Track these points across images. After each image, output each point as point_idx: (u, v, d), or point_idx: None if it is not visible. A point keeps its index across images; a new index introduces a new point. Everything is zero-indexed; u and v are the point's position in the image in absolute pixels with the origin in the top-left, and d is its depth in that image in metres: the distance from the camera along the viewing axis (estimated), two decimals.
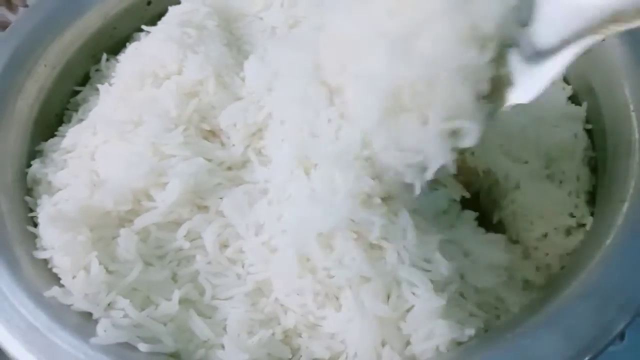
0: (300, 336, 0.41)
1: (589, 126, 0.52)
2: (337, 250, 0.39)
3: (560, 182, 0.49)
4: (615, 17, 0.32)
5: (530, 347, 0.35)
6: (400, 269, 0.40)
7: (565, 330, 0.36)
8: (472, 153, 0.50)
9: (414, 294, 0.39)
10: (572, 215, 0.48)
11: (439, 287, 0.40)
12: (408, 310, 0.40)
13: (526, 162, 0.49)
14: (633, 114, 0.47)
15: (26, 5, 0.83)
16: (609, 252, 0.39)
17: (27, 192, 0.49)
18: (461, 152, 0.40)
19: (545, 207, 0.48)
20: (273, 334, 0.41)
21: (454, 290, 0.41)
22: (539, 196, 0.47)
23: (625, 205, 0.41)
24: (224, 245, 0.44)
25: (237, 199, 0.44)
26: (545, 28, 0.35)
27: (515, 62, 0.37)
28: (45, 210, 0.45)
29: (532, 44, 0.36)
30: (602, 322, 0.36)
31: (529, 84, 0.36)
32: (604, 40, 0.49)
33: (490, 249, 0.44)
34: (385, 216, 0.40)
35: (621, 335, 0.61)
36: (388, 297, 0.40)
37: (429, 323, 0.38)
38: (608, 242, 0.40)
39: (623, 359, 0.60)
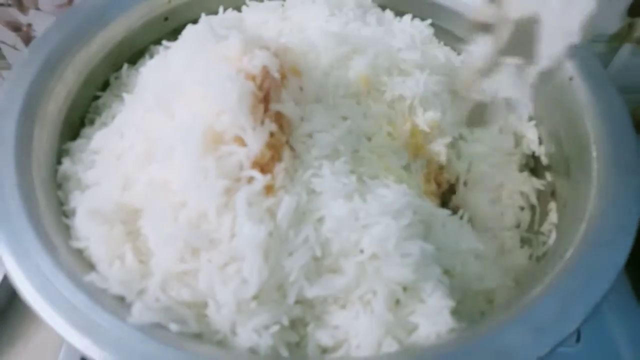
0: (307, 326, 0.47)
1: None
2: None
3: None
4: None
5: (499, 339, 0.42)
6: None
7: (534, 325, 0.42)
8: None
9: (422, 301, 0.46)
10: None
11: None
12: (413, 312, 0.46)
13: None
14: (593, 146, 0.56)
15: (38, 8, 0.86)
16: (570, 262, 0.47)
17: (58, 187, 0.54)
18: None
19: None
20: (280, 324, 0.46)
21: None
22: None
23: (583, 224, 0.49)
24: None
25: None
26: None
27: None
28: (82, 205, 0.50)
29: None
30: (563, 319, 0.43)
31: None
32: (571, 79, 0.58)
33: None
34: None
35: (577, 337, 0.69)
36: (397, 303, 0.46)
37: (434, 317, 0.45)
38: (569, 254, 0.48)
39: None
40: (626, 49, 0.93)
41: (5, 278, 0.56)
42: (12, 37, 0.88)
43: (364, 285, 0.46)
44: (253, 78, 0.50)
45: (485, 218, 0.61)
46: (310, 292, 0.46)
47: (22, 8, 0.86)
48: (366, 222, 0.47)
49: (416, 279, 0.46)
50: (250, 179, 0.48)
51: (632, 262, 0.76)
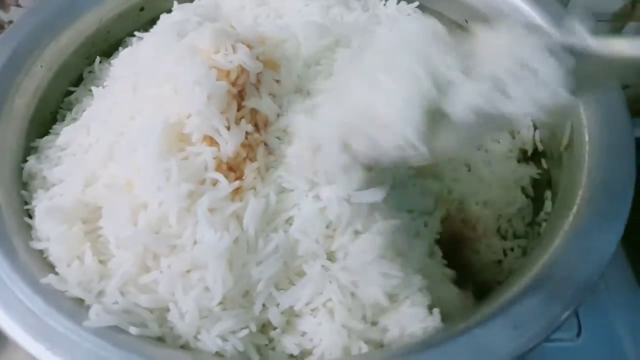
0: (275, 329, 0.45)
1: None
2: None
3: None
4: None
5: (482, 335, 0.40)
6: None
7: (515, 321, 0.40)
8: None
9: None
10: None
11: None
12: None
13: None
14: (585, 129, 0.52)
15: (18, 5, 0.85)
16: (556, 254, 0.44)
17: (23, 186, 0.52)
18: None
19: None
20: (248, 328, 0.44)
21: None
22: None
23: (572, 212, 0.46)
24: None
25: None
26: None
27: None
28: (41, 203, 0.48)
29: None
30: (547, 314, 0.41)
31: None
32: None
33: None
34: None
35: (578, 332, 0.67)
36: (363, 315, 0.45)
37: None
38: (554, 245, 0.45)
39: (579, 355, 0.65)
40: (631, 28, 0.90)
41: None
42: None
43: (327, 291, 0.44)
44: (227, 74, 0.48)
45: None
46: (281, 302, 0.44)
47: (2, 5, 0.85)
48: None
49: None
50: (215, 182, 0.45)
51: (637, 255, 0.73)
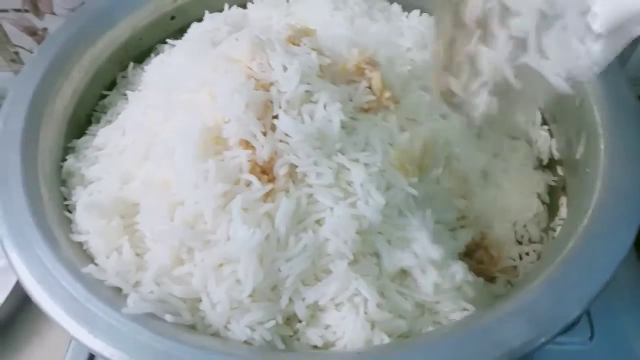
0: (300, 322, 0.47)
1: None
2: None
3: None
4: None
5: (496, 330, 0.41)
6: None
7: (529, 317, 0.42)
8: None
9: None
10: None
11: None
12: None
13: None
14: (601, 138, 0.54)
15: (53, 12, 0.89)
16: (569, 255, 0.46)
17: (62, 183, 0.56)
18: None
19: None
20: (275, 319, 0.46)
21: None
22: None
23: (587, 216, 0.48)
24: None
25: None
26: None
27: None
28: (81, 199, 0.51)
29: None
30: (559, 312, 0.42)
31: None
32: None
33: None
34: None
35: (591, 335, 0.68)
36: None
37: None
38: (569, 247, 0.46)
39: (592, 358, 0.65)
40: None
41: (18, 284, 0.58)
42: (29, 42, 0.91)
43: (352, 287, 0.46)
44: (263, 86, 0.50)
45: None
46: (307, 297, 0.47)
47: (38, 13, 0.88)
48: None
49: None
50: (249, 184, 0.48)
51: None
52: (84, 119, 0.64)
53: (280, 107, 0.49)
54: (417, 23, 0.68)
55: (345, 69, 0.55)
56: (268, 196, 0.47)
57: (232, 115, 0.48)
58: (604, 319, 0.69)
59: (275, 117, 0.49)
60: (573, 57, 0.38)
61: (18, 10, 0.88)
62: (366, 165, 0.49)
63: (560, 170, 0.62)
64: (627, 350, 0.66)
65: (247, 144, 0.48)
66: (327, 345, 0.46)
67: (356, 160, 0.49)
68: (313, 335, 0.46)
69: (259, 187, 0.47)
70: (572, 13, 0.38)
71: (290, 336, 0.47)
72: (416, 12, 0.70)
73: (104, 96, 0.67)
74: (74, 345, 0.62)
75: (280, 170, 0.48)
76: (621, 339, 0.67)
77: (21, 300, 0.65)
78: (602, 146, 0.53)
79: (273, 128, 0.49)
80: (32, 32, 0.91)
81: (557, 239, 0.52)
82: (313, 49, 0.53)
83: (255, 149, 0.48)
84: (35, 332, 0.64)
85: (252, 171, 0.48)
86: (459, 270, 0.49)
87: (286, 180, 0.48)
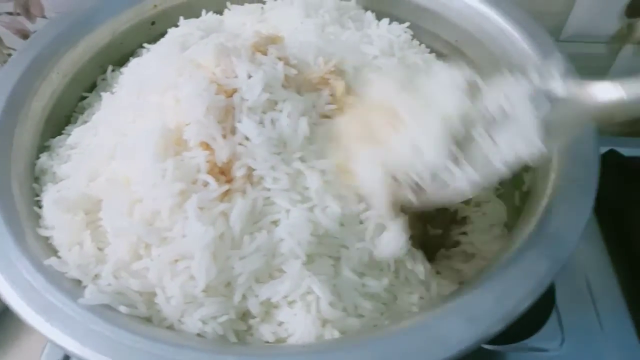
0: (254, 318, 0.48)
1: None
2: None
3: None
4: None
5: (435, 327, 0.43)
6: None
7: (469, 316, 0.43)
8: None
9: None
10: None
11: None
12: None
13: None
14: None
15: (44, 16, 0.92)
16: (512, 255, 0.47)
17: (35, 180, 0.58)
18: None
19: None
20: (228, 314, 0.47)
21: None
22: None
23: (535, 218, 0.50)
24: None
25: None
26: None
27: None
28: (49, 194, 0.53)
29: None
30: (500, 311, 0.44)
31: None
32: None
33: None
34: None
35: (561, 342, 0.68)
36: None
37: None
38: (515, 246, 0.48)
39: None
40: (628, 51, 0.92)
41: None
42: (21, 44, 0.94)
43: (304, 285, 0.47)
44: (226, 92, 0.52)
45: None
46: (260, 294, 0.48)
47: (29, 16, 0.91)
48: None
49: None
50: (207, 184, 0.49)
51: (623, 264, 0.75)
52: (64, 119, 0.66)
53: (241, 112, 0.51)
54: (385, 31, 0.69)
55: (310, 80, 0.57)
56: (225, 196, 0.49)
57: (193, 118, 0.50)
58: (575, 324, 0.70)
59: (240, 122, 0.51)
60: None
61: (10, 14, 0.91)
62: (322, 172, 0.51)
63: None
64: (597, 355, 0.67)
65: (206, 146, 0.50)
66: (280, 341, 0.48)
67: (312, 168, 0.51)
68: (266, 332, 0.48)
69: (215, 187, 0.48)
70: None
71: (245, 331, 0.49)
72: (385, 20, 0.72)
73: (84, 97, 0.69)
74: (49, 347, 0.64)
75: (238, 172, 0.49)
76: (591, 344, 0.68)
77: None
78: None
79: (234, 131, 0.51)
80: (24, 35, 0.94)
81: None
82: (279, 58, 0.55)
83: (215, 151, 0.50)
84: (10, 335, 0.67)
85: (210, 172, 0.49)
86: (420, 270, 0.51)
87: (244, 182, 0.50)
